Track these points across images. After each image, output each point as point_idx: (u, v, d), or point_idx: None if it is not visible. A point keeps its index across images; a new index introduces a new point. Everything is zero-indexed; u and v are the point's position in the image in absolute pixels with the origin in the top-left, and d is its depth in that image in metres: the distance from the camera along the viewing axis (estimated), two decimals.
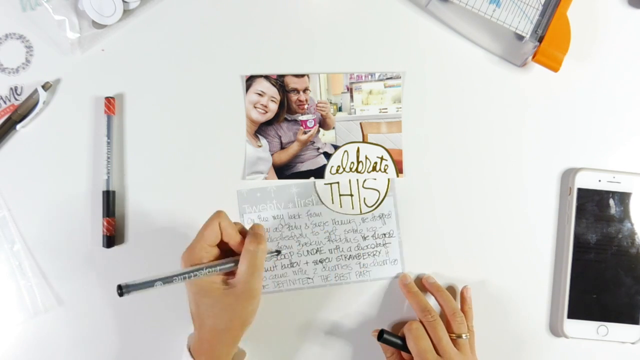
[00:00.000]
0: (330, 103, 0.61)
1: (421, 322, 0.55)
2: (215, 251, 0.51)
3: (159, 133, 0.61)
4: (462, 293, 0.59)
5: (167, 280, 0.46)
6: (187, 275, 0.48)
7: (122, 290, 0.43)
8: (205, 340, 0.50)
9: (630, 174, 0.59)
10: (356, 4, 0.61)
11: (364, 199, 0.60)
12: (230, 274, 0.51)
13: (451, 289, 0.60)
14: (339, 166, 0.61)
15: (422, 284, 0.59)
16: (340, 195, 0.60)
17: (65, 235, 0.60)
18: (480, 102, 0.61)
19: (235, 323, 0.50)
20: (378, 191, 0.60)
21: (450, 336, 0.55)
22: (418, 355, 0.53)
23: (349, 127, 0.61)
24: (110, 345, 0.59)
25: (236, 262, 0.50)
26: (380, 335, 0.55)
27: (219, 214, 0.51)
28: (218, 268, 0.50)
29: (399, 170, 0.61)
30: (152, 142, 0.61)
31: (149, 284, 0.45)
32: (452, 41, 0.61)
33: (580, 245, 0.58)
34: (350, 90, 0.61)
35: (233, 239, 0.51)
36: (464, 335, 0.55)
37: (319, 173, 0.61)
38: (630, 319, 0.58)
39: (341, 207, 0.60)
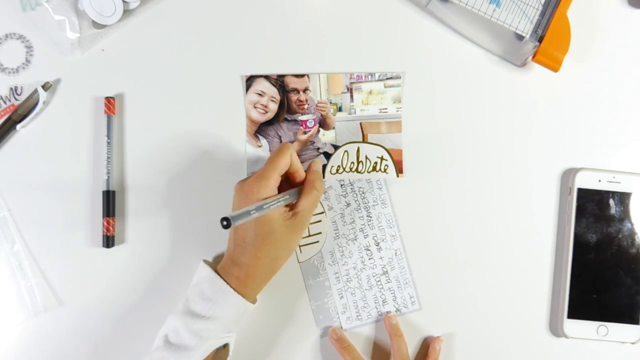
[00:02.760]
0: (330, 103, 0.61)
1: None
2: (279, 181, 0.54)
3: (159, 133, 0.61)
4: (432, 344, 0.58)
5: (260, 209, 0.48)
6: (274, 203, 0.50)
7: (228, 222, 0.44)
8: (246, 266, 0.52)
9: (630, 174, 0.59)
10: (356, 4, 0.61)
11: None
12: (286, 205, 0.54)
13: (425, 343, 0.59)
14: (339, 166, 0.61)
15: (384, 322, 0.59)
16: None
17: (65, 235, 0.60)
18: (480, 102, 0.61)
19: (285, 253, 0.54)
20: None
21: None
22: None
23: (349, 127, 0.61)
24: (110, 345, 0.59)
25: (296, 195, 0.54)
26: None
27: (288, 146, 0.54)
28: (289, 199, 0.53)
29: (399, 170, 0.61)
30: (152, 142, 0.61)
31: (246, 214, 0.47)
32: (452, 41, 0.61)
33: (580, 245, 0.58)
34: (350, 90, 0.61)
35: (299, 172, 0.55)
36: None
37: None
38: (630, 319, 0.58)
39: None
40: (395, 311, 0.60)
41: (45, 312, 0.59)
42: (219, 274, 0.53)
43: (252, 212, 0.47)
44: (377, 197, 0.60)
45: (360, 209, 0.60)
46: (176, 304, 0.58)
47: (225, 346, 0.53)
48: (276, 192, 0.53)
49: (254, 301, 0.54)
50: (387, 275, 0.60)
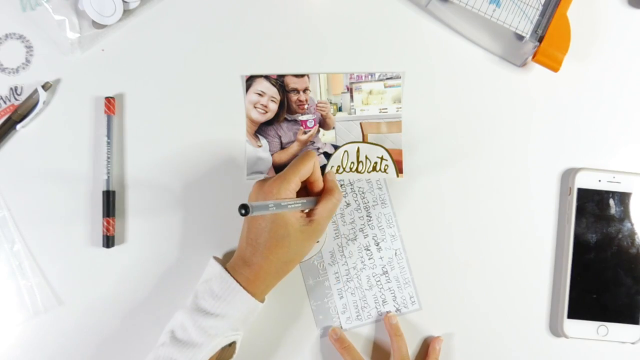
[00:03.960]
0: (330, 103, 0.61)
1: None
2: (299, 187, 0.54)
3: (159, 133, 0.61)
4: (432, 344, 0.58)
5: (278, 206, 0.49)
6: (293, 204, 0.51)
7: (246, 210, 0.44)
8: (257, 267, 0.52)
9: (630, 174, 0.59)
10: (356, 4, 0.61)
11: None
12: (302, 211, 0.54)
13: (425, 343, 0.59)
14: (339, 166, 0.61)
15: (384, 321, 0.59)
16: None
17: (65, 235, 0.60)
18: (480, 102, 0.61)
19: (297, 257, 0.54)
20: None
21: None
22: None
23: (349, 127, 0.61)
24: (110, 345, 0.59)
25: (314, 203, 0.55)
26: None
27: (312, 153, 0.55)
28: (307, 204, 0.54)
29: (399, 170, 0.61)
30: (152, 142, 0.61)
31: (265, 207, 0.47)
32: (452, 41, 0.61)
33: (580, 245, 0.58)
34: (350, 90, 0.61)
35: (318, 181, 0.56)
36: None
37: None
38: (630, 319, 0.58)
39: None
40: (395, 311, 0.60)
41: (45, 312, 0.59)
42: (228, 272, 0.53)
43: (270, 207, 0.47)
44: (377, 197, 0.60)
45: (360, 209, 0.60)
46: (176, 303, 0.58)
47: (232, 344, 0.54)
48: (294, 196, 0.53)
49: (262, 300, 0.54)
50: (387, 275, 0.60)
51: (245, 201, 0.47)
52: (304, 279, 0.60)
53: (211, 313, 0.51)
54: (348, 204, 0.60)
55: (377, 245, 0.60)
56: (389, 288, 0.60)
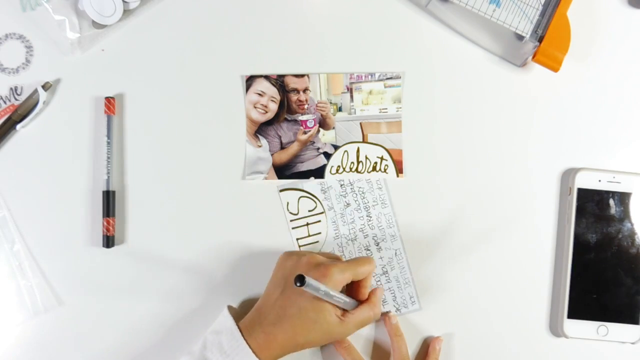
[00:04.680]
0: (330, 103, 0.61)
1: None
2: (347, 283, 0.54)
3: (159, 133, 0.61)
4: (432, 344, 0.58)
5: (327, 294, 0.49)
6: (339, 299, 0.51)
7: (302, 282, 0.45)
8: (272, 337, 0.51)
9: (630, 174, 0.59)
10: (356, 4, 0.61)
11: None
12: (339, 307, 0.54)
13: (425, 343, 0.59)
14: (339, 166, 0.61)
15: (384, 321, 0.59)
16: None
17: (65, 235, 0.60)
18: (480, 102, 0.61)
19: (315, 344, 0.54)
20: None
21: None
22: None
23: (349, 127, 0.61)
24: (110, 345, 0.59)
25: (354, 305, 0.55)
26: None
27: (374, 261, 0.56)
28: (349, 304, 0.54)
29: (399, 170, 0.61)
30: (152, 142, 0.61)
31: (317, 289, 0.48)
32: (452, 41, 0.61)
33: (580, 245, 0.58)
34: (350, 90, 0.61)
35: (365, 288, 0.56)
36: None
37: (319, 173, 0.61)
38: (630, 319, 0.58)
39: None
40: (395, 311, 0.60)
41: (45, 312, 0.59)
42: (240, 329, 0.52)
43: (320, 291, 0.48)
44: (377, 197, 0.60)
45: (360, 209, 0.60)
46: (176, 303, 0.58)
47: None
48: (340, 289, 0.53)
49: None
50: (387, 275, 0.60)
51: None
52: None
53: None
54: (348, 204, 0.60)
55: (377, 245, 0.60)
56: (389, 288, 0.60)
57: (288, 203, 0.60)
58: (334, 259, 0.56)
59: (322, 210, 0.60)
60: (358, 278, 0.54)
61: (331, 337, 0.53)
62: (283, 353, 0.52)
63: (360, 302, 0.55)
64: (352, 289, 0.56)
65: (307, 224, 0.60)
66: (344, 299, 0.53)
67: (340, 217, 0.61)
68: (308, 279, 0.45)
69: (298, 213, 0.60)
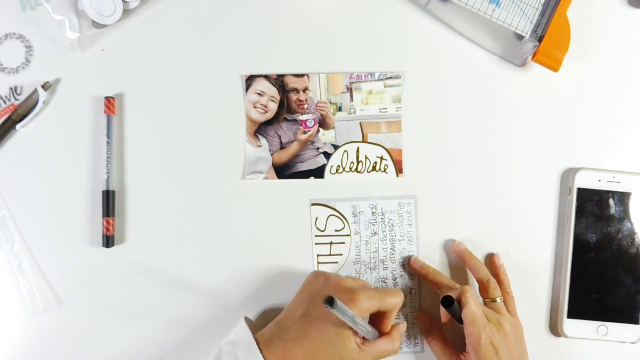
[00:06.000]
0: (330, 103, 0.61)
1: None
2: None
3: (159, 133, 0.61)
4: (493, 262, 0.59)
5: (353, 320, 0.47)
6: (363, 328, 0.50)
7: (331, 304, 0.44)
8: (290, 355, 0.50)
9: (630, 174, 0.59)
10: (356, 3, 0.61)
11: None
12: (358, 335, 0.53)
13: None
14: (339, 166, 0.61)
15: (453, 250, 0.59)
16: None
17: (65, 235, 0.60)
18: (480, 102, 0.61)
19: None
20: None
21: (485, 301, 0.56)
22: (481, 319, 0.53)
23: (349, 127, 0.61)
24: (110, 345, 0.59)
25: (375, 336, 0.53)
26: (449, 302, 0.51)
27: (403, 295, 0.53)
28: (371, 334, 0.52)
29: (399, 170, 0.61)
30: (152, 142, 0.61)
31: (344, 313, 0.46)
32: (452, 41, 0.61)
33: (580, 245, 0.58)
34: (350, 90, 0.61)
35: (390, 320, 0.53)
36: (498, 299, 0.56)
37: (319, 173, 0.61)
38: (630, 319, 0.58)
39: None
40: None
41: (45, 312, 0.59)
42: (257, 341, 0.51)
43: (347, 316, 0.47)
44: (405, 233, 0.60)
45: (386, 240, 0.60)
46: (176, 303, 0.58)
47: None
48: (365, 317, 0.52)
49: None
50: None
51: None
52: None
53: None
54: (375, 233, 0.60)
55: (395, 280, 0.60)
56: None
57: (317, 219, 0.60)
58: (362, 286, 0.54)
59: (348, 233, 0.60)
60: (384, 309, 0.53)
61: None
62: None
63: (381, 334, 0.54)
64: (375, 319, 0.54)
65: (331, 243, 0.60)
66: (368, 329, 0.51)
67: (365, 244, 0.60)
68: (338, 302, 0.44)
69: (325, 230, 0.60)
